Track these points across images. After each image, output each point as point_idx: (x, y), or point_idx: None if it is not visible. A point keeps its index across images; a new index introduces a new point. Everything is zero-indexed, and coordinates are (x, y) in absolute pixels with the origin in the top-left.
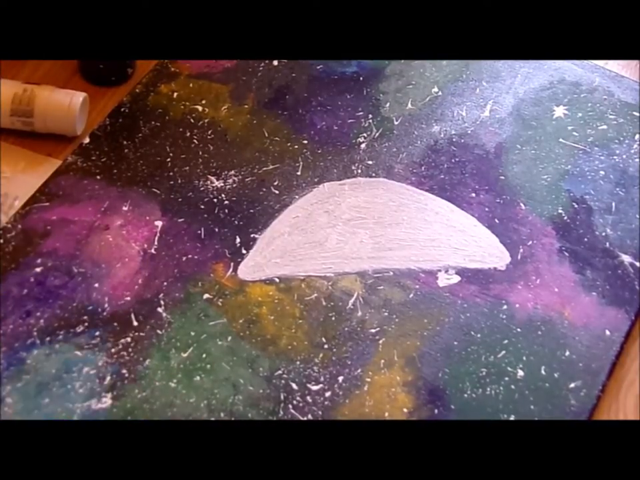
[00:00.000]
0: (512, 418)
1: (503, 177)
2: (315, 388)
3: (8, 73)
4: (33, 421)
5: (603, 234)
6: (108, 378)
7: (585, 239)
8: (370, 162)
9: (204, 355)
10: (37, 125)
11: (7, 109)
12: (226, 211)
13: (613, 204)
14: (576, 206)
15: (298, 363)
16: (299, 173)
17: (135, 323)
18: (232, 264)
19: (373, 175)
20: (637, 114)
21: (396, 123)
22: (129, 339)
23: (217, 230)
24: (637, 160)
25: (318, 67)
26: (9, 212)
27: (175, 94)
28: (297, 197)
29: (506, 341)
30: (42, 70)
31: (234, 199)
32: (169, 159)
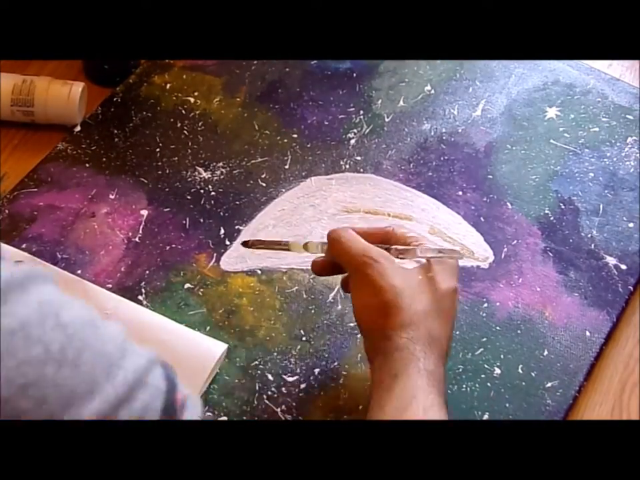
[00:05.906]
0: (486, 415)
1: (491, 176)
2: (290, 379)
3: (12, 72)
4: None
5: (589, 235)
6: None
7: (570, 240)
8: (358, 157)
9: None
10: (37, 115)
11: (7, 99)
12: (212, 202)
13: (601, 206)
14: (563, 207)
15: (275, 354)
16: (287, 167)
17: None
18: (215, 255)
19: (361, 170)
20: (631, 117)
21: (387, 119)
22: None
23: (202, 220)
24: (628, 163)
25: (312, 62)
26: None
27: (168, 85)
28: (283, 190)
29: (485, 339)
30: (47, 70)
31: (221, 190)
32: (158, 149)
